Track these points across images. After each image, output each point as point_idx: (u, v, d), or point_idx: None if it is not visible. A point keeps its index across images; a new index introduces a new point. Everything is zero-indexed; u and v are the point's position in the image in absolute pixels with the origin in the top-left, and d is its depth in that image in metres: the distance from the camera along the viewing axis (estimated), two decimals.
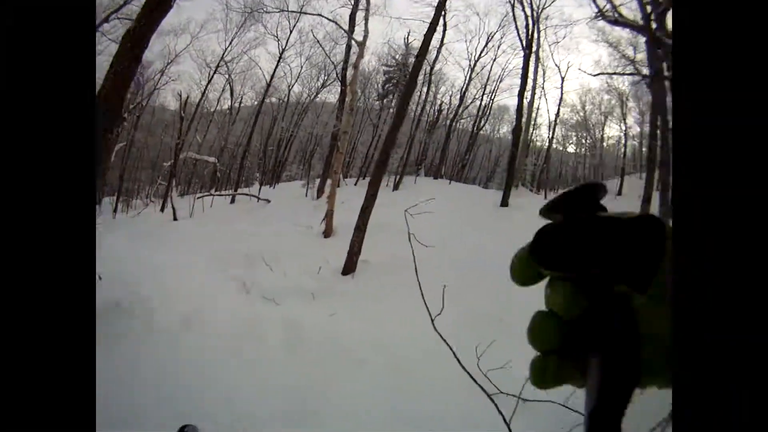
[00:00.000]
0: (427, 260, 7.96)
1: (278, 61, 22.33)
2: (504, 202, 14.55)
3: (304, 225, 11.01)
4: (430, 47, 21.93)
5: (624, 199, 18.36)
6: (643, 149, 26.68)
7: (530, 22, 15.89)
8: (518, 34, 16.30)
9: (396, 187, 18.45)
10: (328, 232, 10.76)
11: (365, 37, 12.07)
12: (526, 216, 12.79)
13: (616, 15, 12.94)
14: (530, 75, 16.86)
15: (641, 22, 12.60)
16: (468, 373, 2.43)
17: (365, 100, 23.22)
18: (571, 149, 28.93)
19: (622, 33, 26.47)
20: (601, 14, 13.34)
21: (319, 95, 25.08)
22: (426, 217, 11.54)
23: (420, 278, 3.18)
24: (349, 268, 7.80)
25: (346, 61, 16.36)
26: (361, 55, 12.13)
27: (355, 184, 19.87)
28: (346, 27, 14.94)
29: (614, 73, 15.65)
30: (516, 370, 2.63)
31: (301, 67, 24.33)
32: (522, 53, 16.71)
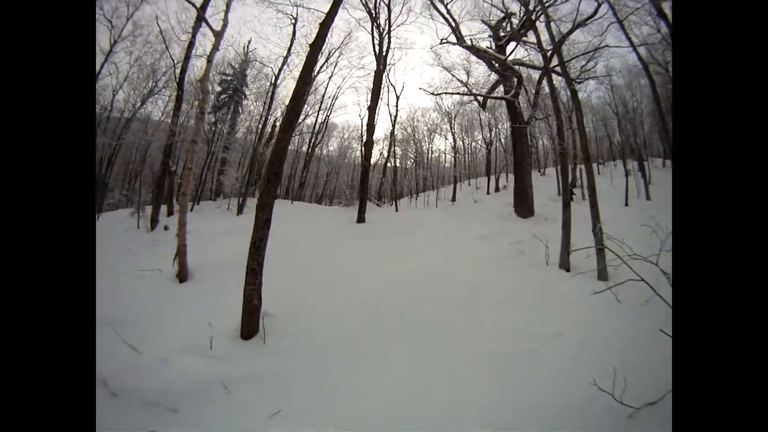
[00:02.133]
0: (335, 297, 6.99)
1: (106, 57, 17.28)
2: (360, 218, 14.70)
3: (149, 268, 8.78)
4: (276, 57, 20.82)
5: (458, 203, 20.45)
6: (465, 159, 30.49)
7: (385, 39, 16.45)
8: (374, 50, 16.70)
9: (240, 210, 16.73)
10: (182, 275, 8.79)
11: (224, 26, 10.27)
12: (386, 229, 13.15)
13: (464, 42, 14.69)
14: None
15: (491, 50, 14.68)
16: None
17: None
18: (397, 162, 30.95)
19: (456, 59, 29.96)
20: (446, 41, 14.86)
21: (145, 104, 20.60)
22: (298, 242, 10.69)
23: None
24: (250, 329, 5.68)
25: (187, 57, 13.87)
26: (217, 47, 10.30)
27: (191, 210, 17.33)
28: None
29: (461, 93, 17.51)
30: None
31: (130, 66, 19.50)
32: (371, 70, 17.56)
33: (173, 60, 16.09)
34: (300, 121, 21.82)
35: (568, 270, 7.63)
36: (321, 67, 20.85)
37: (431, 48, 17.68)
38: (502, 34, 15.33)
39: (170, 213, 14.93)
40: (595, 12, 12.85)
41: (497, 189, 22.76)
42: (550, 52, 9.67)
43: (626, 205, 16.10)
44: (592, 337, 4.82)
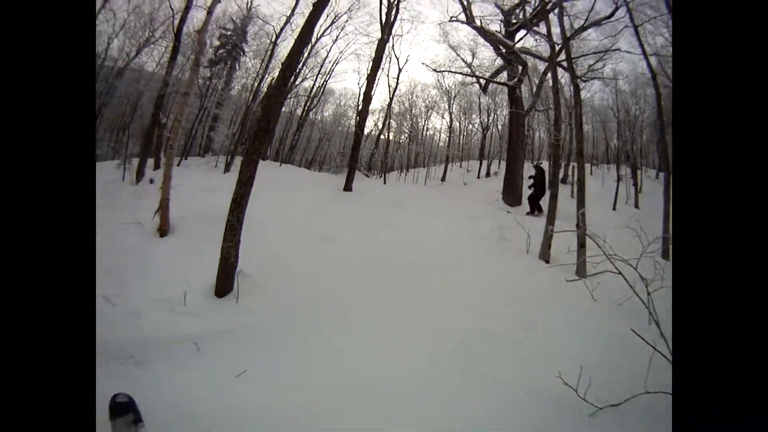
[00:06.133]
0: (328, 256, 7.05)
1: (104, 3, 16.65)
2: (348, 186, 14.52)
3: (131, 221, 8.62)
4: (279, 15, 20.24)
5: (447, 183, 20.23)
6: (460, 140, 30.18)
7: (393, 9, 16.02)
8: (380, 18, 16.20)
9: (227, 168, 16.50)
10: (163, 229, 8.65)
11: None
12: (372, 199, 12.94)
13: (474, 22, 14.47)
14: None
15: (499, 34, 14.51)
16: None
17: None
18: (391, 135, 30.60)
19: (463, 39, 29.40)
20: (456, 19, 14.60)
21: (140, 54, 19.73)
22: (282, 204, 10.59)
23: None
24: (225, 286, 5.64)
25: (187, 8, 13.51)
26: None
27: (178, 165, 17.00)
28: None
29: (464, 74, 17.35)
30: None
31: (128, 13, 18.73)
32: (377, 38, 17.02)
33: (172, 9, 15.64)
34: (297, 82, 21.19)
35: (547, 261, 7.64)
36: (326, 30, 20.30)
37: (439, 24, 17.29)
38: (513, 20, 15.10)
39: (157, 166, 14.55)
40: (612, 14, 12.69)
41: (488, 174, 22.73)
42: (559, 45, 9.55)
43: (614, 209, 16.29)
44: (561, 331, 4.83)
